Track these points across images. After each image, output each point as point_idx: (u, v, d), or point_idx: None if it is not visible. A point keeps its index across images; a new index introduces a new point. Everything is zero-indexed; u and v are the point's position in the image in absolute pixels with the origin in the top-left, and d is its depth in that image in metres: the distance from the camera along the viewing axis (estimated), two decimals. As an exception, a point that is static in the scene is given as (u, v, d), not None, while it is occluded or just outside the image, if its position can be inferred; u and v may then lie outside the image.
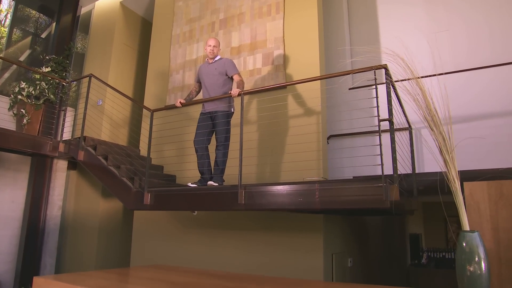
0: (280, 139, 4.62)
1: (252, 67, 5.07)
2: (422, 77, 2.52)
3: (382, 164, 3.05)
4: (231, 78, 4.25)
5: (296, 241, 4.23)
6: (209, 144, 4.14)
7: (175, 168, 5.35)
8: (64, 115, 5.41)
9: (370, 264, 5.49)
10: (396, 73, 3.95)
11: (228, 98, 4.14)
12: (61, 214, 6.15)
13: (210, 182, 3.86)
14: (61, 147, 5.26)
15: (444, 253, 8.38)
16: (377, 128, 4.91)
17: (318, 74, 4.59)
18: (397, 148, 4.50)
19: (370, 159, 4.91)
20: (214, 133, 4.17)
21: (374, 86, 3.20)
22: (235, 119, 4.33)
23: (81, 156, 4.96)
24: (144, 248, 5.34)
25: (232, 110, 4.19)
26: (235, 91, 3.87)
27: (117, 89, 5.34)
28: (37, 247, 5.86)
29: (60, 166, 6.21)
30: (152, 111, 4.42)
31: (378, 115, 3.14)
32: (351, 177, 5.14)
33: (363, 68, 3.25)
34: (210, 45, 4.30)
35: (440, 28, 5.14)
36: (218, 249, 4.70)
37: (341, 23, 5.65)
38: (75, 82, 6.66)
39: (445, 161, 2.37)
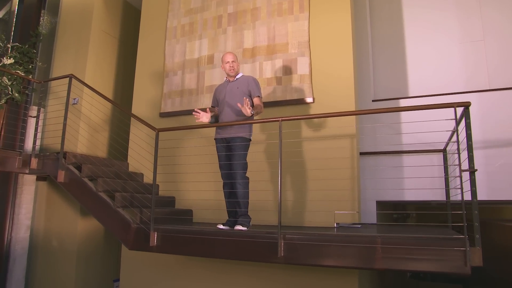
0: (305, 161, 4.04)
1: (271, 75, 4.38)
2: None
3: (464, 224, 2.57)
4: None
5: (326, 283, 3.73)
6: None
7: (173, 188, 4.62)
8: (37, 123, 4.44)
9: (386, 291, 5.18)
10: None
11: (249, 124, 3.50)
12: (29, 236, 5.23)
13: (237, 227, 3.22)
14: (34, 163, 4.33)
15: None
16: (405, 148, 4.61)
17: (352, 89, 4.03)
18: (422, 172, 4.13)
19: (396, 182, 4.50)
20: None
21: (453, 127, 2.68)
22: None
23: (61, 177, 4.09)
24: (136, 281, 4.61)
25: (251, 139, 3.57)
26: (247, 109, 3.22)
27: (102, 94, 4.45)
28: (0, 276, 4.94)
29: (28, 178, 5.22)
30: (158, 131, 3.63)
31: (460, 164, 2.63)
32: (375, 200, 4.70)
33: (443, 104, 2.70)
34: (228, 62, 3.57)
35: (474, 37, 4.70)
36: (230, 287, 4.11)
37: (364, 25, 5.05)
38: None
39: None
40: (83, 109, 5.23)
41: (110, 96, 5.74)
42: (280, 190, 3.07)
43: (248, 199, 3.38)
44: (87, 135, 5.18)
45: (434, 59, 4.77)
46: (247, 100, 3.20)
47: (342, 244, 2.84)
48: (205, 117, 3.54)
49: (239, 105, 3.30)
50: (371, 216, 4.56)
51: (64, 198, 5.24)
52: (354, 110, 4.01)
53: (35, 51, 5.46)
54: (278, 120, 3.16)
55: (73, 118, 5.11)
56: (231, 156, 3.41)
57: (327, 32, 4.25)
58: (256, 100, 3.53)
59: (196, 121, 3.59)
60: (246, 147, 3.46)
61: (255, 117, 3.55)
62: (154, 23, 5.34)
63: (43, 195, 5.40)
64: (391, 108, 3.25)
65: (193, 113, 3.57)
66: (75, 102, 5.33)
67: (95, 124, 5.35)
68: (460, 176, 2.60)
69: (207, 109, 3.60)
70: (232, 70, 3.56)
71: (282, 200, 3.06)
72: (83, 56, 5.55)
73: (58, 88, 4.83)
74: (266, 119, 3.36)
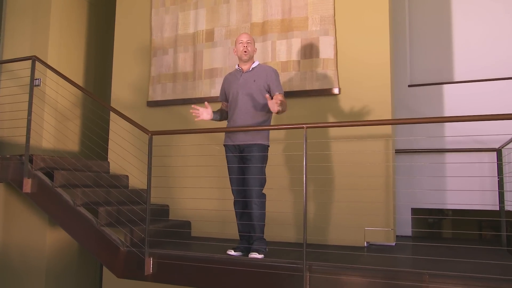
0: (330, 166, 4.05)
1: (286, 58, 4.30)
2: None
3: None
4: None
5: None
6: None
7: (166, 194, 4.60)
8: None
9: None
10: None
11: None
12: (-16, 251, 5.21)
13: (252, 255, 3.23)
14: (-10, 168, 4.24)
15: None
16: (448, 145, 4.60)
17: (388, 78, 3.99)
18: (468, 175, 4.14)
19: (435, 184, 4.51)
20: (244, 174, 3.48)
21: None
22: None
23: (28, 186, 4.01)
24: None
25: (269, 145, 3.53)
26: (274, 104, 3.19)
27: (74, 80, 4.32)
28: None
29: (-19, 181, 5.13)
30: (151, 134, 3.57)
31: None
32: (410, 207, 4.72)
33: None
34: (241, 41, 3.44)
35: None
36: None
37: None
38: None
39: None
40: (47, 95, 5.08)
41: (81, 76, 5.61)
42: (305, 211, 3.07)
43: (264, 221, 3.38)
44: (53, 128, 5.04)
45: (486, 35, 4.70)
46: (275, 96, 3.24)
47: (383, 281, 2.88)
48: (205, 114, 3.47)
49: (267, 97, 3.25)
50: (405, 226, 4.62)
51: (28, 204, 5.17)
52: (389, 102, 4.00)
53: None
54: (302, 127, 3.11)
55: (35, 106, 4.98)
56: (245, 168, 3.38)
57: (357, 5, 4.14)
58: (278, 97, 3.47)
59: (195, 119, 3.52)
60: (265, 158, 3.41)
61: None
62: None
63: (0, 201, 5.33)
64: (453, 117, 3.21)
65: (191, 110, 3.50)
66: (37, 83, 5.17)
67: (63, 112, 5.22)
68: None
69: (206, 103, 3.51)
70: (245, 53, 3.43)
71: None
72: (44, 24, 5.34)
73: (15, 70, 4.69)
74: (288, 125, 3.32)
